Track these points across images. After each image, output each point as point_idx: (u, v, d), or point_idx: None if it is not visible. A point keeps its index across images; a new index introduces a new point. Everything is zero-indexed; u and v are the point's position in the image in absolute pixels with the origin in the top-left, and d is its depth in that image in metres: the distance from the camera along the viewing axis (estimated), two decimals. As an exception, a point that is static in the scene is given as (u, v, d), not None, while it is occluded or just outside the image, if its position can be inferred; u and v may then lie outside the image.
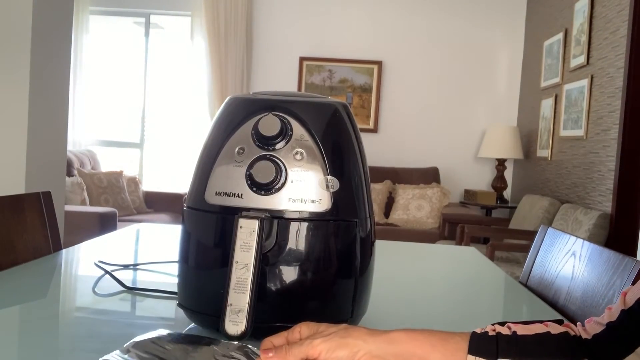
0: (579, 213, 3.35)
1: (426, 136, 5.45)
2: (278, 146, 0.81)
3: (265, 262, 0.78)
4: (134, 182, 5.09)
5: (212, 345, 0.71)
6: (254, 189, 0.79)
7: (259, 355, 0.67)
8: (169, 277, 1.20)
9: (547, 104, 4.50)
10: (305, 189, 0.80)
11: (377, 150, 5.38)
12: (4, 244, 1.26)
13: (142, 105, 5.72)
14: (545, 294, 1.30)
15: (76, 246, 1.45)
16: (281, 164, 0.80)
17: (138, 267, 1.27)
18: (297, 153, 0.80)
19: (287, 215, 0.79)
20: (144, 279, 1.18)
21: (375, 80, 5.43)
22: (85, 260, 1.35)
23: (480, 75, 5.41)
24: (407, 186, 5.07)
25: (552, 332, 0.66)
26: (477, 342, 0.66)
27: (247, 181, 0.80)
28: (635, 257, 1.65)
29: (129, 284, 1.09)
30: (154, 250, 1.55)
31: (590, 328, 0.68)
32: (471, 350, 0.65)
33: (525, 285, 1.41)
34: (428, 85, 5.44)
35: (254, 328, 0.72)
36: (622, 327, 0.65)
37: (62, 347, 0.81)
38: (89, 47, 5.53)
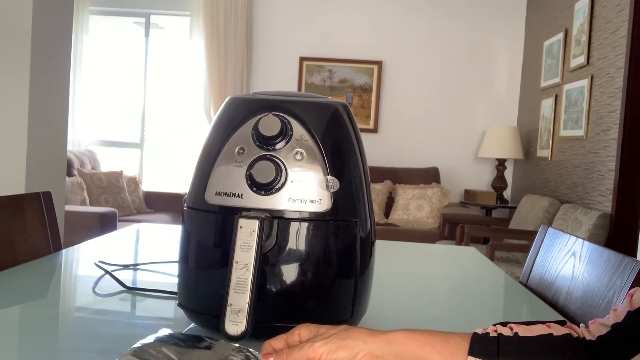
0: (579, 213, 3.35)
1: (426, 136, 5.45)
2: (278, 146, 0.80)
3: (265, 262, 0.78)
4: (134, 182, 5.09)
5: (212, 349, 0.70)
6: (254, 189, 0.79)
7: (259, 359, 0.67)
8: (169, 277, 1.20)
9: (547, 104, 4.50)
10: (305, 189, 0.80)
11: (377, 150, 5.38)
12: (4, 244, 1.26)
13: (142, 105, 5.72)
14: (545, 294, 1.30)
15: (76, 246, 1.45)
16: (281, 164, 0.80)
17: (138, 267, 1.27)
18: (297, 153, 0.80)
19: (287, 215, 0.79)
20: (144, 279, 1.18)
21: (375, 80, 5.43)
22: (85, 260, 1.35)
23: (480, 75, 5.41)
24: (407, 186, 5.07)
25: (555, 333, 0.65)
26: (478, 343, 0.65)
27: (247, 181, 0.80)
28: (635, 257, 1.65)
29: (129, 284, 1.09)
30: (154, 250, 1.55)
31: (594, 329, 0.67)
32: (472, 352, 0.65)
33: (525, 285, 1.41)
34: (428, 85, 5.44)
35: (254, 328, 0.72)
36: (628, 328, 0.64)
37: (62, 347, 0.81)
38: (89, 47, 5.53)
